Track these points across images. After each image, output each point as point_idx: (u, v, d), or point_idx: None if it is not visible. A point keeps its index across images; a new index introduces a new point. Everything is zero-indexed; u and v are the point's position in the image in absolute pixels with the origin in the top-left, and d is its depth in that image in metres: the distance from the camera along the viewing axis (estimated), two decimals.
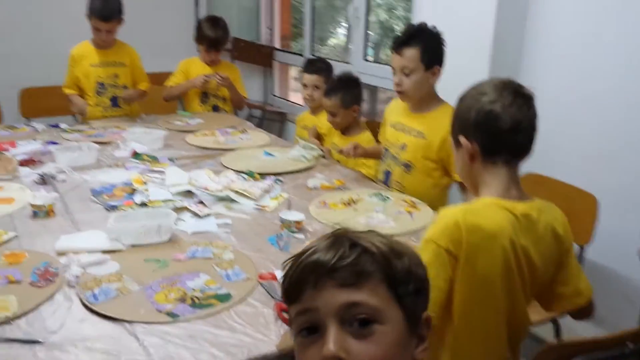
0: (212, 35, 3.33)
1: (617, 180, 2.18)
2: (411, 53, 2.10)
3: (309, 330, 0.70)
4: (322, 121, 2.84)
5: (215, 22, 3.39)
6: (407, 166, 2.24)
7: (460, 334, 1.26)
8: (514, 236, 1.19)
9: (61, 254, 1.58)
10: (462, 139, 1.28)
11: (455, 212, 1.21)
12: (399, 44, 2.13)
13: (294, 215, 1.83)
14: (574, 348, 1.19)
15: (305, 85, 2.95)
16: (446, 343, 1.28)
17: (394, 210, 2.00)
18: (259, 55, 4.78)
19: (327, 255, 0.72)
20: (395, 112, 2.34)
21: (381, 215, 1.94)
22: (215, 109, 3.49)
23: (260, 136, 2.95)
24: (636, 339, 1.21)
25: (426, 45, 2.11)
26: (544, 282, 1.29)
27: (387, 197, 2.11)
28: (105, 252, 1.59)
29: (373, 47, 5.61)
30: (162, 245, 1.66)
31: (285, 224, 1.80)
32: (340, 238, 0.75)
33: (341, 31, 6.67)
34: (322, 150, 2.58)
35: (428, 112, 2.21)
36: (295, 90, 5.54)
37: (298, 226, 1.80)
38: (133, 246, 1.63)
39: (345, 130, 2.72)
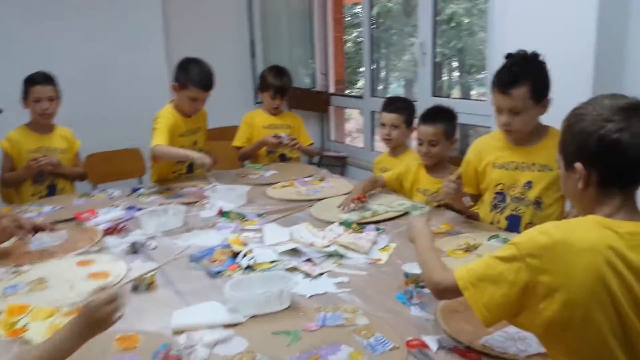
0: (277, 83, 3.28)
1: None
2: (520, 92, 1.91)
3: None
4: (404, 164, 2.68)
5: (279, 70, 3.36)
6: (538, 204, 2.04)
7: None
8: (611, 255, 1.03)
9: (178, 332, 1.42)
10: (579, 166, 1.13)
11: (549, 226, 1.11)
12: (505, 85, 1.93)
13: (419, 268, 1.64)
14: None
15: (383, 125, 2.81)
16: None
17: None
18: (315, 102, 4.70)
19: None
20: (493, 152, 2.11)
21: None
22: (283, 157, 3.38)
23: (342, 183, 2.80)
24: None
25: (535, 80, 1.92)
26: None
27: (508, 240, 1.91)
28: (225, 326, 1.42)
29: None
30: (284, 314, 1.48)
31: (412, 279, 1.61)
32: None
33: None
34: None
35: (540, 141, 2.04)
36: (353, 133, 5.44)
37: None
38: (252, 317, 1.47)
39: (434, 168, 2.54)
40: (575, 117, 1.16)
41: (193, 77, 2.77)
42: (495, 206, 2.13)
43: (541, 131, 2.04)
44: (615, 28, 2.35)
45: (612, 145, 1.08)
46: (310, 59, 4.82)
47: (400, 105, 2.82)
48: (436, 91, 3.62)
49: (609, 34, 2.33)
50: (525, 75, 1.91)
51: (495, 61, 2.09)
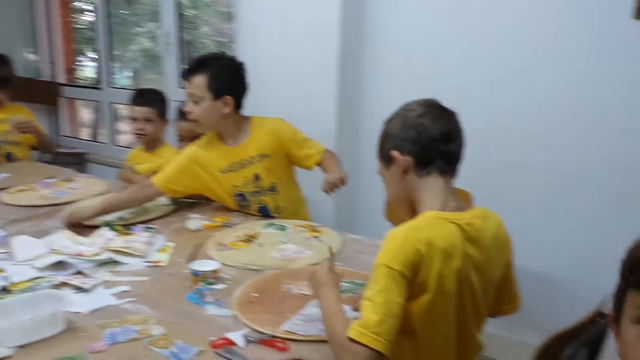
0: None
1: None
2: (198, 80, 2.00)
3: None
4: (160, 158, 2.56)
5: None
6: (273, 189, 2.13)
7: (420, 355, 1.22)
8: (463, 248, 1.18)
9: None
10: (395, 153, 1.26)
11: (403, 232, 1.16)
12: (187, 72, 2.04)
13: (207, 265, 1.57)
14: (568, 335, 1.22)
15: (134, 119, 2.62)
16: None
17: (300, 237, 1.87)
18: (43, 93, 4.15)
19: None
20: (213, 160, 2.11)
21: (292, 246, 1.80)
22: (9, 157, 2.91)
23: (93, 182, 2.53)
24: (600, 315, 1.29)
25: (215, 74, 2.01)
26: (495, 289, 1.30)
27: (284, 226, 1.97)
28: None
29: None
30: (61, 338, 1.27)
31: (202, 277, 1.54)
32: None
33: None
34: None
35: (248, 135, 2.10)
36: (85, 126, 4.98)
37: (216, 276, 1.56)
38: (21, 347, 1.22)
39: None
40: (386, 121, 1.31)
41: None
42: (242, 206, 2.16)
43: (246, 125, 2.12)
44: (356, 35, 2.60)
45: (416, 127, 1.23)
46: (32, 46, 4.24)
47: (152, 98, 2.67)
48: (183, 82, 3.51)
49: (350, 43, 2.57)
50: (206, 67, 2.01)
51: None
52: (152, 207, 2.13)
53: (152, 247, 1.78)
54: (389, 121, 1.30)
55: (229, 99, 2.02)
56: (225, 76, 2.03)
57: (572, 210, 2.26)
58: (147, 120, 2.61)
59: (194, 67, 2.02)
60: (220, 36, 4.13)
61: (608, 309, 1.28)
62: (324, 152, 2.13)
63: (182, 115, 2.46)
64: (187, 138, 2.42)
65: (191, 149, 2.15)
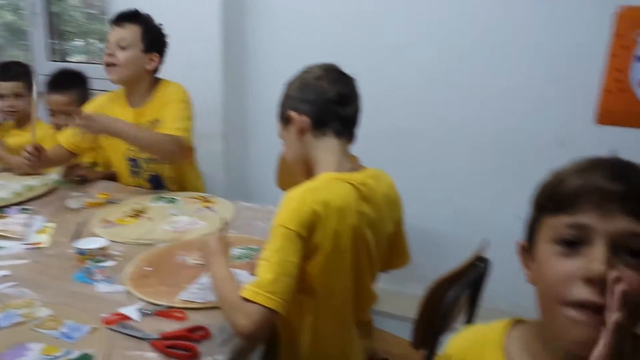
0: None
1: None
2: (133, 28, 1.97)
3: (568, 243, 0.69)
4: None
5: None
6: None
7: (320, 311, 1.27)
8: (357, 206, 1.22)
9: None
10: (292, 113, 1.28)
11: (300, 193, 1.18)
12: (121, 17, 1.98)
13: (93, 243, 1.50)
14: (451, 279, 1.31)
15: (2, 96, 2.42)
16: (305, 324, 1.28)
17: (191, 209, 1.84)
18: None
19: (614, 180, 0.67)
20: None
21: (184, 218, 1.76)
22: None
23: None
24: (479, 260, 1.41)
25: (149, 29, 2.00)
26: (388, 245, 1.36)
27: (174, 198, 1.93)
28: None
29: None
30: None
31: (88, 255, 1.47)
32: (625, 164, 0.70)
33: None
34: None
35: (151, 98, 2.03)
36: None
37: (104, 253, 1.49)
38: None
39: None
40: (285, 84, 1.32)
41: None
42: (134, 172, 2.09)
43: (154, 87, 2.05)
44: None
45: (314, 89, 1.25)
46: None
47: (19, 71, 2.47)
48: (52, 55, 3.27)
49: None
50: (142, 19, 2.00)
51: None
52: (30, 187, 1.98)
53: (30, 228, 1.66)
54: (290, 83, 1.31)
55: (156, 56, 2.01)
56: (158, 35, 2.03)
57: (450, 172, 2.41)
58: (17, 95, 2.43)
59: (129, 15, 1.98)
60: (90, 8, 3.88)
61: (485, 253, 1.41)
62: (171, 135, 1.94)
63: (53, 88, 2.32)
64: (59, 112, 2.28)
65: (95, 103, 2.11)
